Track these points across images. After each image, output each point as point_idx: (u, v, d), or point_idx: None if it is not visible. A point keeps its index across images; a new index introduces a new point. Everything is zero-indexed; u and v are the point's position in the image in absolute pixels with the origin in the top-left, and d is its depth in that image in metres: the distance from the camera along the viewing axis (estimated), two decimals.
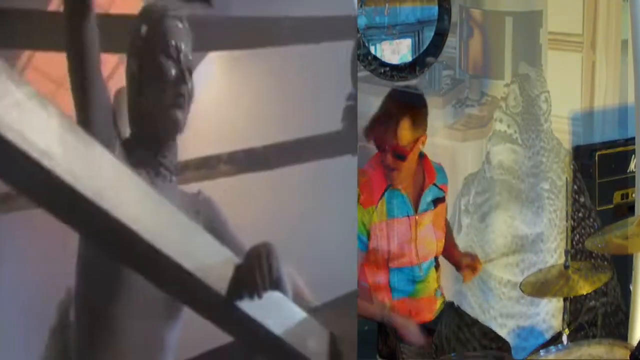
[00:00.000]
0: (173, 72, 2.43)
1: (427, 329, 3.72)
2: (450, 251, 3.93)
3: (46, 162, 1.89)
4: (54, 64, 2.26)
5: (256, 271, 2.37)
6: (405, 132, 3.51)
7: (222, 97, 2.70)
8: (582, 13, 4.71)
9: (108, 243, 2.19)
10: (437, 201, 3.75)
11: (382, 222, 3.59)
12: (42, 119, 1.91)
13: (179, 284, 2.27)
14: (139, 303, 2.39)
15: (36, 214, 2.18)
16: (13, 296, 2.30)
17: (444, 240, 3.81)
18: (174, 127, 2.46)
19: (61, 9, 2.24)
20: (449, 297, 4.01)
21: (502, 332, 4.65)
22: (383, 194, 3.60)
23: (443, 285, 3.92)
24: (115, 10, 2.42)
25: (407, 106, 3.61)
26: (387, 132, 3.53)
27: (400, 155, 3.54)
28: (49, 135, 1.91)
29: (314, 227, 2.65)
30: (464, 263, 3.91)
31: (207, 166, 2.65)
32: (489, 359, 3.59)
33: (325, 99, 2.70)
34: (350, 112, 2.69)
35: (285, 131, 2.69)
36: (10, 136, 1.82)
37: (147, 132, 2.46)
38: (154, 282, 2.30)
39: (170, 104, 2.44)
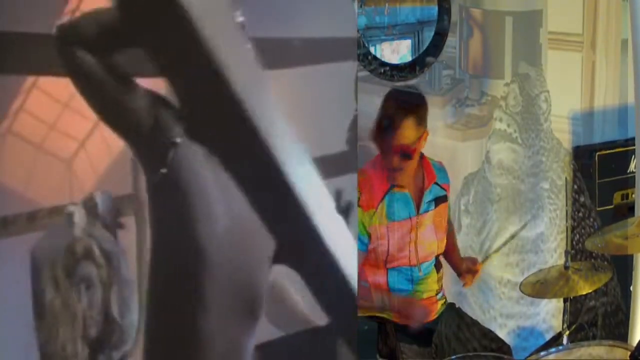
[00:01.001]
0: None
1: (427, 329, 3.72)
2: (451, 255, 3.92)
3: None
4: (58, 85, 2.26)
5: None
6: (409, 130, 3.53)
7: None
8: (582, 13, 4.71)
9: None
10: (438, 200, 3.74)
11: (382, 225, 3.58)
12: None
13: None
14: (218, 311, 2.41)
15: (34, 237, 2.19)
16: (12, 320, 2.30)
17: (445, 240, 3.81)
18: None
19: None
20: (449, 298, 4.01)
21: (502, 332, 4.66)
22: (384, 197, 3.60)
23: (446, 285, 3.92)
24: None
25: (407, 105, 3.62)
26: (391, 132, 3.54)
27: (407, 154, 3.55)
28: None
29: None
30: (464, 267, 3.91)
31: None
32: None
33: (328, 120, 2.70)
34: (352, 131, 2.69)
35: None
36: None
37: None
38: None
39: None
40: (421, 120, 3.58)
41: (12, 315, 2.27)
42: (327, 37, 2.65)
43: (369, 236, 3.57)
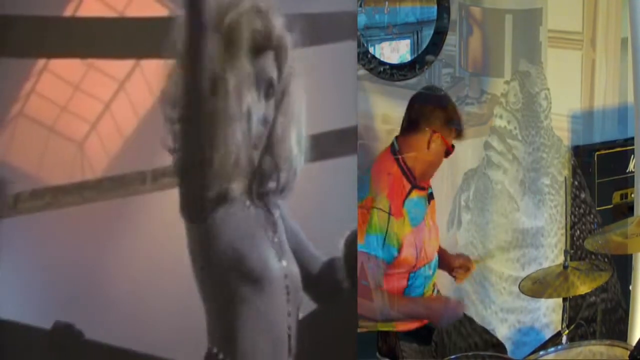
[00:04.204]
0: None
1: (427, 327, 3.74)
2: (441, 253, 3.93)
3: None
4: (69, 68, 2.27)
5: None
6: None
7: None
8: (582, 11, 4.70)
9: None
10: (430, 198, 3.78)
11: (410, 232, 3.59)
12: None
13: None
14: None
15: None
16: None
17: (438, 236, 3.85)
18: None
19: (77, 14, 2.25)
20: (449, 294, 4.03)
21: (503, 327, 4.67)
22: (403, 203, 3.60)
23: (443, 282, 3.94)
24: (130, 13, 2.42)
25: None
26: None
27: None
28: None
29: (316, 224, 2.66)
30: (456, 264, 3.92)
31: None
32: None
33: (328, 97, 2.70)
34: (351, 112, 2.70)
35: None
36: None
37: None
38: None
39: None
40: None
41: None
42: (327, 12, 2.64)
43: (401, 246, 3.58)
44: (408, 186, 3.62)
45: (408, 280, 3.65)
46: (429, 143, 3.62)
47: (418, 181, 3.64)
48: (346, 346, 2.66)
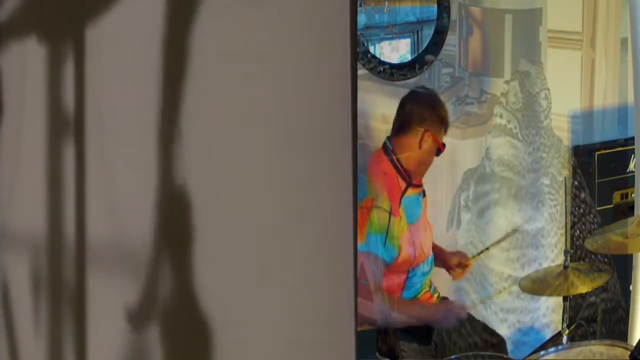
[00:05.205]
0: None
1: (427, 326, 3.74)
2: (437, 250, 3.95)
3: None
4: None
5: None
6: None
7: None
8: (581, 11, 4.70)
9: None
10: (422, 195, 3.81)
11: (407, 230, 3.62)
12: None
13: None
14: None
15: None
16: None
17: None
18: None
19: None
20: (449, 294, 4.03)
21: (503, 327, 4.67)
22: (400, 201, 3.63)
23: (442, 281, 3.94)
24: None
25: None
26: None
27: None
28: None
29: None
30: (454, 262, 3.93)
31: None
32: None
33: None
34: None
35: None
36: None
37: None
38: None
39: None
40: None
41: None
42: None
43: (400, 247, 3.60)
44: (404, 184, 3.66)
45: (407, 275, 3.67)
46: (420, 142, 3.67)
47: (412, 179, 3.68)
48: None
